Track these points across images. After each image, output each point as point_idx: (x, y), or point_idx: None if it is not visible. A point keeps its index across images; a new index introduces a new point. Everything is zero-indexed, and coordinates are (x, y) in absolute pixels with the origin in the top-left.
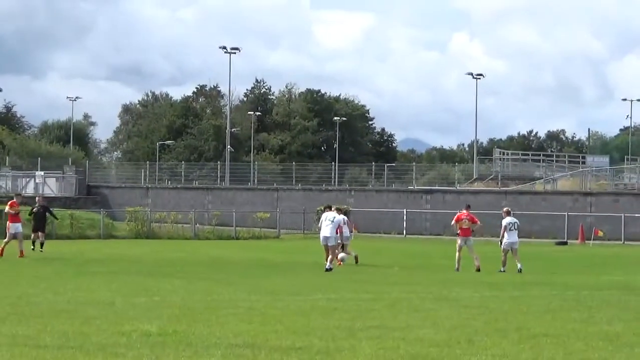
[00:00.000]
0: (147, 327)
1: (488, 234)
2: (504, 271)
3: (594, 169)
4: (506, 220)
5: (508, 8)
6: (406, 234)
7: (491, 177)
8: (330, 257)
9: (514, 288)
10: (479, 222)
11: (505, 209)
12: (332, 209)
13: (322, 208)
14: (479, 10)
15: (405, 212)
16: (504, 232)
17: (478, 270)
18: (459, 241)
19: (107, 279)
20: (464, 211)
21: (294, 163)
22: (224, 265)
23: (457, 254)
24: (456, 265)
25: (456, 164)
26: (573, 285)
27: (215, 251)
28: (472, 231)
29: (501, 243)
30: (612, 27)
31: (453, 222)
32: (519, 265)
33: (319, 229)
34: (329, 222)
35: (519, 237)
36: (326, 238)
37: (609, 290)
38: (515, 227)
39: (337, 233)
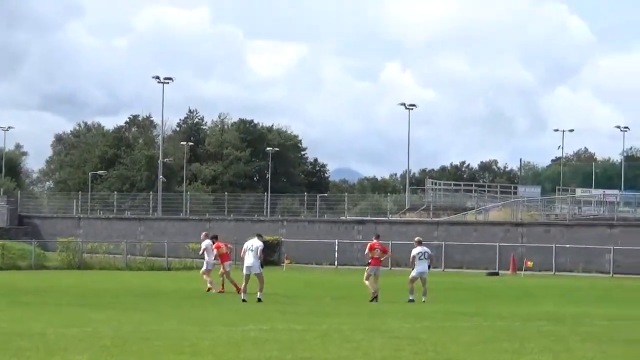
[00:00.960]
0: (78, 358)
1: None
2: (412, 300)
3: (525, 199)
4: (416, 250)
5: (440, 38)
6: (338, 264)
7: (423, 207)
8: (260, 285)
9: (444, 318)
10: (389, 252)
11: (416, 239)
12: (258, 237)
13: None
14: (411, 40)
15: (337, 243)
16: (413, 261)
17: (375, 300)
18: (368, 270)
19: (39, 309)
20: (375, 241)
21: (226, 193)
22: (155, 296)
23: (365, 282)
24: (370, 293)
25: (388, 194)
26: (504, 316)
27: (147, 282)
28: (382, 261)
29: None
30: (544, 58)
31: (366, 251)
32: (423, 299)
33: (242, 258)
34: (250, 251)
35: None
36: (249, 267)
37: (540, 321)
38: (426, 257)
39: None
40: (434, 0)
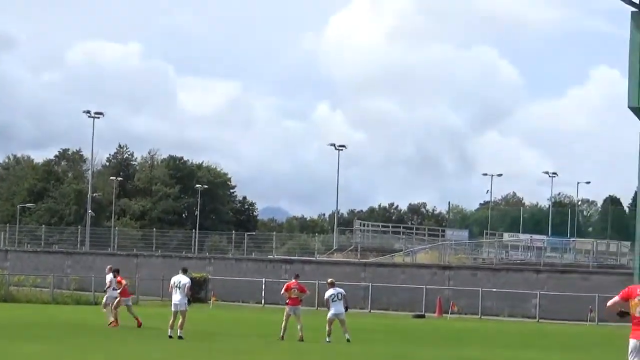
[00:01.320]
0: None
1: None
2: (329, 342)
3: (453, 242)
4: (329, 292)
5: (370, 79)
6: (265, 303)
7: (351, 248)
8: (181, 322)
9: None
10: (307, 292)
11: (329, 281)
12: (183, 272)
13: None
14: (342, 81)
15: (264, 282)
16: (327, 304)
17: (301, 340)
18: (287, 309)
19: None
20: (293, 280)
21: (154, 229)
22: (82, 330)
23: (283, 322)
24: (281, 333)
25: (316, 234)
26: (429, 359)
27: (74, 316)
28: (300, 301)
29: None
30: (474, 102)
31: (283, 291)
32: (346, 336)
33: (170, 294)
34: (177, 288)
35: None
36: (176, 305)
37: None
38: (340, 298)
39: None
40: (365, 41)
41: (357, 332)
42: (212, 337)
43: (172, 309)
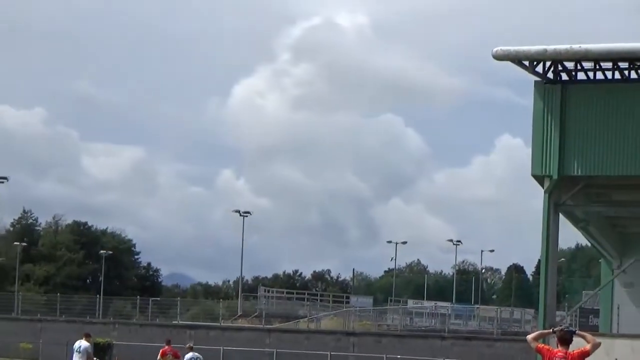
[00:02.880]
0: None
1: None
2: None
3: (357, 308)
4: (187, 356)
5: (274, 146)
6: None
7: (255, 314)
8: None
9: None
10: (180, 357)
11: (187, 345)
12: (86, 337)
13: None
14: (246, 148)
15: None
16: None
17: None
18: None
19: None
20: (167, 346)
21: (58, 294)
22: None
23: None
24: None
25: (221, 300)
26: None
27: None
28: None
29: None
30: (378, 170)
31: (159, 357)
32: None
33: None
34: (76, 352)
35: None
36: None
37: None
38: None
39: None
40: (269, 108)
41: None
42: None
43: None
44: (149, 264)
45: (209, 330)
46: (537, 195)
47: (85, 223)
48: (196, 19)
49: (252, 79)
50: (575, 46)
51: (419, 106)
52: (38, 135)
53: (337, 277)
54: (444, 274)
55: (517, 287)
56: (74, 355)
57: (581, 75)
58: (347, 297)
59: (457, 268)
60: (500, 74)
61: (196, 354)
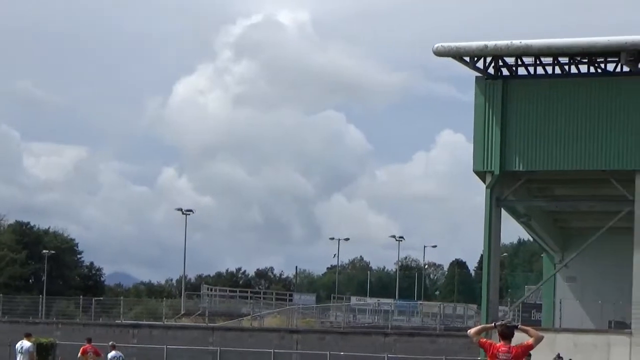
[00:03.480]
0: None
1: None
2: None
3: (300, 306)
4: (110, 355)
5: (215, 144)
6: None
7: (199, 312)
8: None
9: None
10: (102, 355)
11: (110, 344)
12: (27, 337)
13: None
14: (188, 146)
15: None
16: None
17: None
18: None
19: None
20: (87, 344)
21: (1, 295)
22: None
23: None
24: None
25: (164, 298)
26: None
27: None
28: None
29: None
30: (320, 167)
31: (79, 354)
32: None
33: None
34: (19, 354)
35: None
36: None
37: None
38: None
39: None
40: (210, 106)
41: None
42: None
43: None
44: (91, 263)
45: (152, 329)
46: (479, 191)
47: (28, 223)
48: (137, 18)
49: (193, 77)
50: (516, 42)
51: (360, 103)
52: None
53: (280, 275)
54: (387, 270)
55: (459, 282)
56: (18, 356)
57: (522, 71)
58: (290, 295)
59: (400, 264)
60: (441, 70)
61: (119, 352)
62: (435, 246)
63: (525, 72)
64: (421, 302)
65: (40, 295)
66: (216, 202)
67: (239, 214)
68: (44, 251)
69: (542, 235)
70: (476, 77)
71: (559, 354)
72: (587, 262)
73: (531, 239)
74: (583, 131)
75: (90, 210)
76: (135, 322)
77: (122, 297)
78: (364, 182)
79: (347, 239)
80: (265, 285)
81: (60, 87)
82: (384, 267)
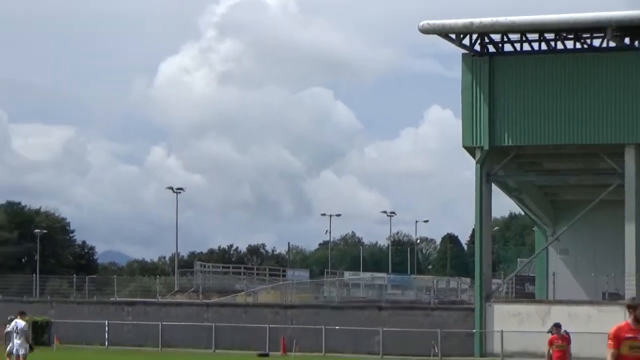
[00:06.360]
0: None
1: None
2: None
3: (294, 282)
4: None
5: (203, 123)
6: (109, 344)
7: (192, 289)
8: None
9: None
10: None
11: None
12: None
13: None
14: (176, 125)
15: (107, 324)
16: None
17: None
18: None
19: None
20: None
21: None
22: None
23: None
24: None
25: (157, 276)
26: None
27: None
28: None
29: None
30: (309, 144)
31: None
32: None
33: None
34: (15, 333)
35: None
36: (17, 349)
37: None
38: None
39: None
40: (197, 85)
41: None
42: None
43: (14, 352)
44: (83, 242)
45: (147, 306)
46: (469, 166)
47: (19, 203)
48: None
49: (178, 57)
50: (501, 18)
51: (347, 79)
52: None
53: (273, 251)
54: (379, 245)
55: (452, 256)
56: (13, 334)
57: (508, 47)
58: (284, 271)
59: (392, 239)
60: (428, 47)
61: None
62: (427, 221)
63: (511, 49)
64: (414, 276)
65: (34, 274)
66: (206, 180)
67: (230, 192)
68: (36, 231)
69: (533, 209)
70: (463, 54)
71: (556, 323)
72: (579, 234)
73: (522, 213)
74: (570, 106)
75: (80, 190)
76: (130, 299)
77: (115, 276)
78: (353, 159)
79: (338, 215)
80: (257, 262)
81: (47, 68)
82: (377, 243)
